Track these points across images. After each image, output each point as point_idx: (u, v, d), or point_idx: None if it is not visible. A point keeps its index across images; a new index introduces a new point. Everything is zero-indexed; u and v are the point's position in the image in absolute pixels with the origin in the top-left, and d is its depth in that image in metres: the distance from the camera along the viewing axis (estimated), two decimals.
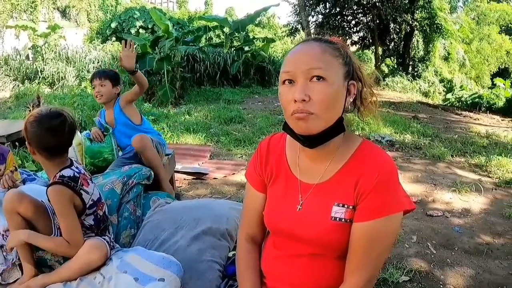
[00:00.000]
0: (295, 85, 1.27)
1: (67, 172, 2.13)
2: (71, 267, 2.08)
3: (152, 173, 3.12)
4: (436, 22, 18.40)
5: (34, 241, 2.11)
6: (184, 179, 4.96)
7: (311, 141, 1.30)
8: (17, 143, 5.52)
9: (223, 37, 16.48)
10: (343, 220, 1.33)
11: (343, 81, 1.29)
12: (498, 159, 5.79)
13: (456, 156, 6.26)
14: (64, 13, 23.44)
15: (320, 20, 20.11)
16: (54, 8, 22.59)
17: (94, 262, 2.07)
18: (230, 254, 2.35)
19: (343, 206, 1.33)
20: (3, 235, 2.38)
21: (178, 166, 5.01)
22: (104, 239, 2.22)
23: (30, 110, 7.66)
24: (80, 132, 3.93)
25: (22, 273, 2.24)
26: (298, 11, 19.10)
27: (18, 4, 20.61)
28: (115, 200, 2.71)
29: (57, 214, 2.09)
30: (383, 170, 1.28)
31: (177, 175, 4.79)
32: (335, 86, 1.26)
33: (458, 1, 24.15)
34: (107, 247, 2.15)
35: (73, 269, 2.07)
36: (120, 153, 3.91)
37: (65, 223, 2.08)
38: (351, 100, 1.34)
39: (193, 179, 4.99)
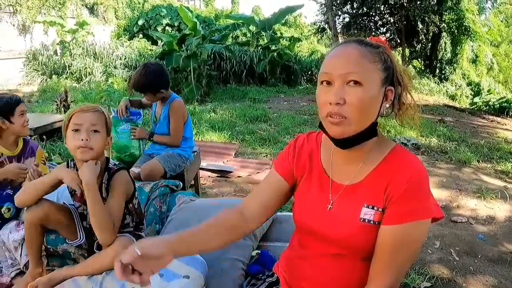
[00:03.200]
0: (332, 87, 1.28)
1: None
2: (97, 263, 2.09)
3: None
4: (464, 24, 18.11)
5: (92, 196, 2.01)
6: (209, 176, 5.02)
7: (342, 142, 1.32)
8: (44, 136, 5.63)
9: (249, 35, 16.51)
10: (371, 222, 1.33)
11: (380, 87, 1.29)
12: None
13: (482, 161, 6.18)
14: (92, 10, 23.67)
15: (347, 20, 19.99)
16: (82, 5, 22.81)
17: None
18: (254, 253, 2.37)
19: (372, 208, 1.34)
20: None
21: (203, 164, 5.06)
22: (140, 234, 2.28)
23: (57, 105, 7.82)
24: None
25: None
26: (325, 11, 19.01)
27: (47, 1, 20.89)
28: (142, 198, 2.77)
29: (114, 195, 2.12)
30: (414, 176, 1.29)
31: (201, 172, 4.84)
32: (371, 91, 1.26)
33: (486, 2, 23.60)
34: None
35: (98, 267, 2.08)
36: (147, 148, 3.96)
37: (116, 203, 2.11)
38: (387, 105, 1.35)
39: (217, 176, 5.05)
